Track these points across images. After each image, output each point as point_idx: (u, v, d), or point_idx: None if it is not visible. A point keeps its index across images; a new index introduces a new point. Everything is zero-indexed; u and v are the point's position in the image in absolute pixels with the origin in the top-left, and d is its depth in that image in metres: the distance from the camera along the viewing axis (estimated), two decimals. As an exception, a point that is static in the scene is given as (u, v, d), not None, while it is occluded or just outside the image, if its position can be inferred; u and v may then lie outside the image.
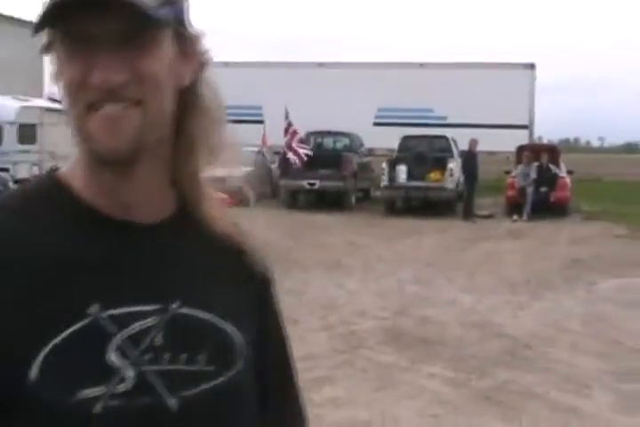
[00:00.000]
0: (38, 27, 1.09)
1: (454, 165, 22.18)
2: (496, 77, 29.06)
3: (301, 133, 23.55)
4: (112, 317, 1.09)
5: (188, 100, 1.22)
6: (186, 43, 1.19)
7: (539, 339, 8.43)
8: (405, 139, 24.48)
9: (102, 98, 1.09)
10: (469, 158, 21.84)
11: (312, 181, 22.46)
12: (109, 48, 1.09)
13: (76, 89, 1.11)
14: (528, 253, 14.85)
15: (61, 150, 22.28)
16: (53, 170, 1.24)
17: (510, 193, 21.63)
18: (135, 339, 1.11)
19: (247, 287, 1.29)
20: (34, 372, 1.04)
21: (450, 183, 21.85)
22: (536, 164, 21.80)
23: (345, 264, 13.11)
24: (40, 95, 25.40)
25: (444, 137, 24.60)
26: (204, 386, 1.15)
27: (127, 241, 1.17)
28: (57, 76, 1.14)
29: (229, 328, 1.20)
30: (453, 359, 7.61)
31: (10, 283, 1.08)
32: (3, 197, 1.28)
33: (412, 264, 13.18)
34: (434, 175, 22.41)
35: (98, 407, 1.06)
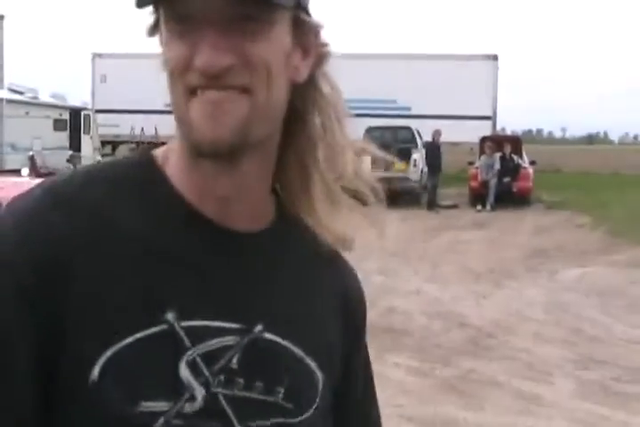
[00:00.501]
0: (141, 2, 0.99)
1: (418, 156, 22.26)
2: (459, 68, 29.16)
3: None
4: (189, 328, 0.99)
5: (307, 96, 1.12)
6: (305, 32, 1.08)
7: (501, 328, 8.51)
8: (369, 130, 24.51)
9: (206, 83, 0.99)
10: (433, 149, 21.94)
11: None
12: (218, 29, 0.98)
13: (179, 73, 1.00)
14: (491, 243, 14.96)
15: (22, 142, 22.14)
16: (147, 150, 1.13)
17: (474, 184, 21.78)
18: (210, 357, 1.00)
19: (343, 319, 1.16)
20: (95, 372, 0.95)
21: (414, 174, 21.94)
22: (499, 154, 21.97)
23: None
24: (0, 86, 25.09)
25: (407, 128, 24.67)
26: (277, 420, 1.04)
27: (219, 246, 1.06)
28: (164, 62, 1.04)
29: (313, 364, 1.08)
30: (418, 349, 7.66)
31: (93, 262, 0.98)
32: (92, 166, 1.13)
33: (377, 255, 13.21)
34: (398, 166, 22.47)
35: (159, 424, 0.96)
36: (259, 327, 1.04)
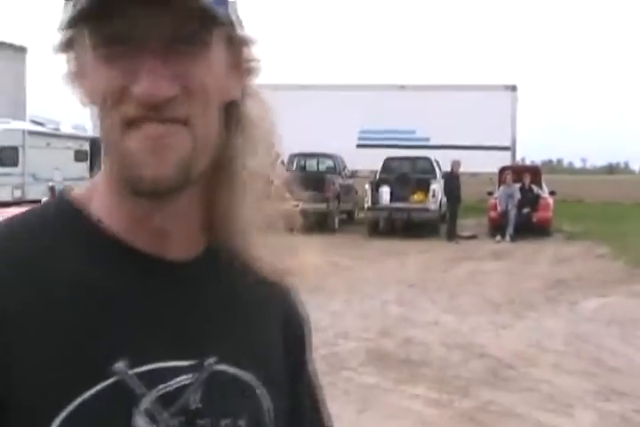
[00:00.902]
0: (73, 22, 0.91)
1: (437, 187, 22.26)
2: (478, 99, 29.22)
3: (284, 155, 23.56)
4: (140, 374, 0.93)
5: (232, 117, 1.03)
6: (237, 49, 1.01)
7: (521, 359, 8.43)
8: (388, 160, 24.58)
9: (145, 115, 0.91)
10: (452, 179, 21.92)
11: (295, 203, 22.40)
12: (157, 53, 0.90)
13: (113, 103, 0.91)
14: (511, 274, 14.87)
15: (44, 173, 22.32)
16: (65, 191, 1.05)
17: (493, 214, 21.72)
18: (167, 400, 0.95)
19: (285, 342, 1.12)
20: None
21: (433, 204, 21.93)
22: (518, 185, 21.92)
23: (328, 286, 13.07)
24: (23, 118, 25.35)
25: (426, 158, 24.71)
26: None
27: (158, 281, 1.00)
28: (76, 80, 0.96)
29: (266, 391, 1.04)
30: (436, 380, 7.60)
31: (30, 320, 0.92)
32: (14, 218, 1.03)
33: (396, 285, 13.17)
34: (417, 196, 22.48)
35: None
36: (213, 360, 0.99)
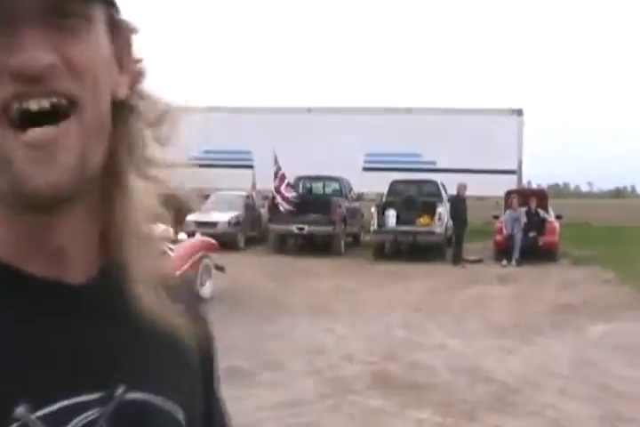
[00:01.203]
0: None
1: (443, 210, 22.25)
2: (484, 123, 29.30)
3: (290, 178, 23.69)
4: (45, 416, 0.84)
5: (117, 122, 0.92)
6: (120, 35, 0.92)
7: (527, 383, 8.40)
8: (394, 183, 24.60)
9: (25, 91, 0.81)
10: (458, 203, 21.92)
11: (301, 226, 22.48)
12: (32, 26, 0.82)
13: None
14: (516, 298, 14.83)
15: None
16: None
17: (499, 238, 21.67)
18: None
19: (192, 363, 1.04)
20: None
21: (439, 228, 21.91)
22: (524, 209, 21.91)
23: (333, 309, 13.07)
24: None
25: (432, 182, 24.72)
26: None
27: (56, 309, 0.90)
28: None
29: (180, 415, 0.97)
30: (442, 404, 7.57)
31: None
32: None
33: (401, 309, 13.15)
34: (423, 220, 22.46)
35: None
36: (121, 389, 0.91)
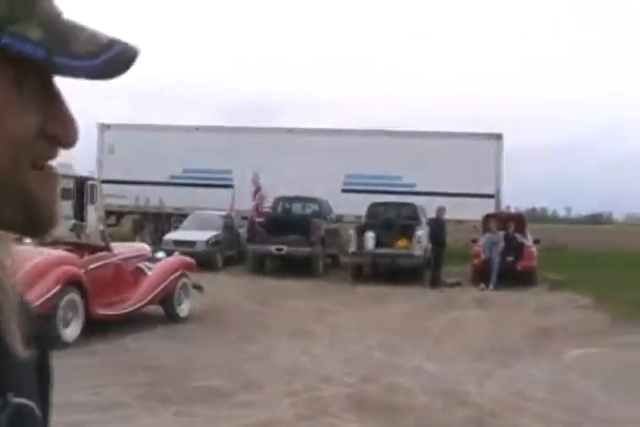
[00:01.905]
0: None
1: (422, 233, 22.32)
2: (464, 147, 29.47)
3: (268, 198, 23.79)
4: None
5: None
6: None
7: (504, 407, 8.41)
8: (373, 206, 24.66)
9: (54, 155, 0.86)
10: (437, 226, 22.01)
11: (280, 247, 22.48)
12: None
13: (27, 143, 0.82)
14: (494, 322, 14.87)
15: None
16: None
17: (477, 262, 21.76)
18: None
19: (35, 372, 1.03)
20: None
21: (417, 250, 21.96)
22: (502, 232, 22.01)
23: (311, 330, 13.06)
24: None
25: (411, 204, 24.81)
26: None
27: None
28: None
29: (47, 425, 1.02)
30: (418, 427, 7.57)
31: None
32: None
33: (379, 331, 13.16)
34: (401, 242, 22.52)
35: None
36: (11, 395, 0.92)
